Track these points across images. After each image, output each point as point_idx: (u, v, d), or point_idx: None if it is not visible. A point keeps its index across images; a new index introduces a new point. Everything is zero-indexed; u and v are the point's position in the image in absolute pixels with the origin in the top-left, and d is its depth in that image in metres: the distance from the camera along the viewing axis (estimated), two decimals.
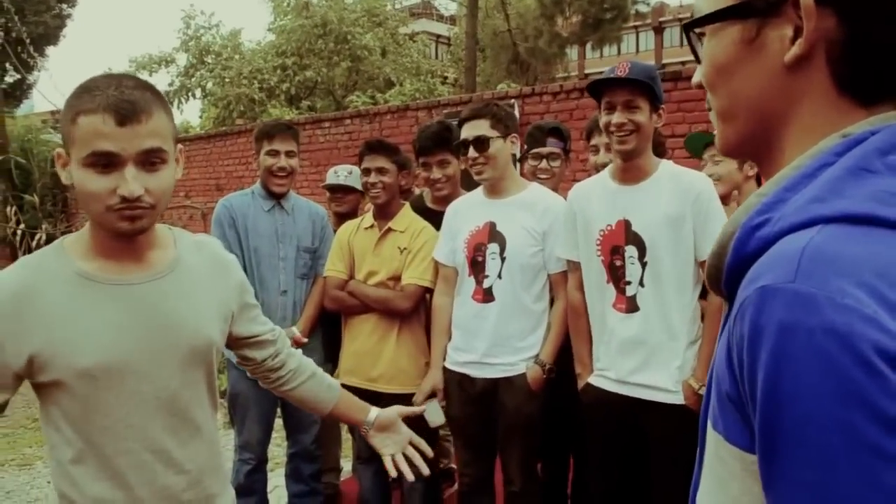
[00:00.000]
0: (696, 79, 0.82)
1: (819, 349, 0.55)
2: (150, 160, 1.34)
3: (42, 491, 4.50)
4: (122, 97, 1.30)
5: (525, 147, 3.32)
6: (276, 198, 3.30)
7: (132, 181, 1.31)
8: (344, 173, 3.74)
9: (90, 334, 1.37)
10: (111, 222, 1.34)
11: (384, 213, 3.13)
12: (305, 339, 3.21)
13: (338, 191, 3.75)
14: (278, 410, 3.41)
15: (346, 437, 4.07)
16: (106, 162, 1.30)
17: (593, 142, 3.12)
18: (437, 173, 3.17)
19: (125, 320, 1.40)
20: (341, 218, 3.67)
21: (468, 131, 2.78)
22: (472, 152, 2.75)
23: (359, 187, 3.54)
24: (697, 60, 0.81)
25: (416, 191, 3.69)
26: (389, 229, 3.09)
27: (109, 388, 1.39)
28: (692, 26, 0.79)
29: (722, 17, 0.74)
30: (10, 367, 1.35)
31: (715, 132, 0.82)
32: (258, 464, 3.29)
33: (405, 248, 3.05)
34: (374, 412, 1.83)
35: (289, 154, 3.28)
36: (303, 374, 1.78)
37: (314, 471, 3.46)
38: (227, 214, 3.24)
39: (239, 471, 3.27)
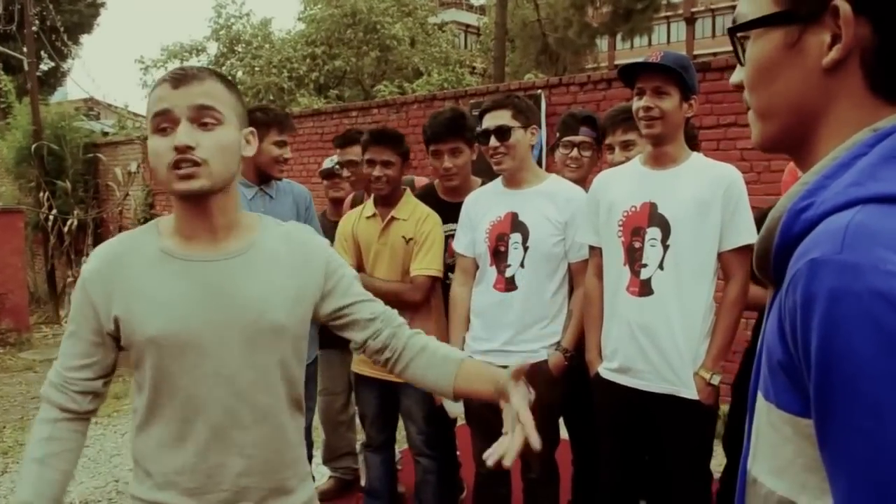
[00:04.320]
0: (735, 79, 0.88)
1: (867, 310, 0.61)
2: (202, 118, 1.41)
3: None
4: (181, 68, 1.46)
5: (557, 135, 3.27)
6: (259, 183, 3.27)
7: (183, 134, 1.39)
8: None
9: (160, 304, 1.45)
10: (172, 183, 1.42)
11: (386, 202, 3.10)
12: None
13: (334, 176, 3.89)
14: None
15: None
16: (165, 123, 1.40)
17: (608, 140, 3.08)
18: (448, 162, 3.06)
19: (192, 295, 1.47)
20: (337, 204, 3.85)
21: (490, 121, 2.77)
22: (493, 141, 2.74)
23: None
24: (740, 62, 0.86)
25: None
26: (393, 218, 3.06)
27: (173, 357, 1.45)
28: (737, 30, 0.85)
29: (767, 23, 0.81)
30: (103, 328, 1.49)
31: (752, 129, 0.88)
32: None
33: (411, 238, 3.02)
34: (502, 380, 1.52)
35: (280, 144, 3.27)
36: (410, 350, 1.66)
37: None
38: None
39: None
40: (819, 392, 0.66)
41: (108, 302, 1.46)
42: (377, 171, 3.02)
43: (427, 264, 2.98)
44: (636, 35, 21.40)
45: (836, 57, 0.75)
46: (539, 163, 5.30)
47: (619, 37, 22.37)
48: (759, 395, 0.79)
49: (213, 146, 1.42)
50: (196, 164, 1.40)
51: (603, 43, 24.74)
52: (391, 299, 2.99)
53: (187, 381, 1.47)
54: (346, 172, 3.64)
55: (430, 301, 3.05)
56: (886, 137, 0.72)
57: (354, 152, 3.51)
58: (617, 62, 25.72)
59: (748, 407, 0.86)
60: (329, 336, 2.31)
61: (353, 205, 3.66)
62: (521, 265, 2.74)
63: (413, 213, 3.07)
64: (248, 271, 1.52)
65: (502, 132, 2.74)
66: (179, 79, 1.42)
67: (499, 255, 2.78)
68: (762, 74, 0.83)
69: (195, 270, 1.48)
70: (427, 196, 3.24)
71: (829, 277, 0.64)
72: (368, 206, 3.16)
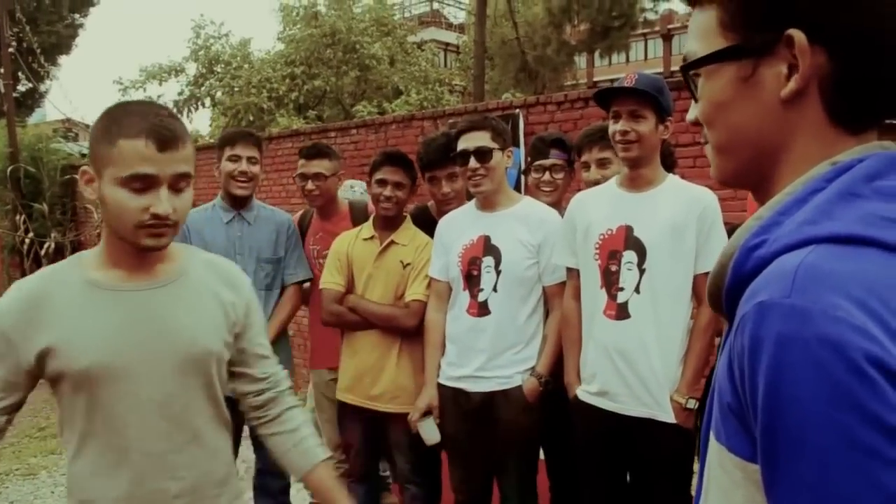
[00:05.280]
0: (691, 116, 0.87)
1: (814, 358, 0.60)
2: (179, 184, 1.48)
3: (45, 501, 4.51)
4: (163, 125, 1.45)
5: (529, 159, 3.27)
6: (238, 207, 3.22)
7: (165, 202, 1.45)
8: (360, 189, 3.79)
9: (90, 335, 1.48)
10: (138, 238, 1.47)
11: (388, 225, 3.07)
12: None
13: None
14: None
15: None
16: (143, 184, 1.44)
17: (584, 158, 3.08)
18: (446, 187, 3.09)
19: (123, 324, 1.51)
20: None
21: (469, 142, 2.74)
22: (473, 163, 2.72)
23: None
24: (695, 99, 0.85)
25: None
26: (392, 242, 3.03)
27: (107, 386, 1.48)
28: (688, 68, 0.84)
29: (717, 59, 0.79)
30: (21, 366, 1.47)
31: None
32: None
33: (408, 264, 3.00)
34: None
35: (251, 160, 3.21)
36: (281, 425, 1.77)
37: (283, 486, 3.36)
38: (183, 231, 3.15)
39: None
40: (765, 439, 0.64)
41: (30, 338, 1.46)
42: (388, 192, 2.99)
43: (424, 290, 2.95)
44: (614, 52, 21.56)
45: (795, 88, 0.74)
46: (517, 183, 5.32)
47: (597, 54, 22.55)
48: (711, 436, 0.77)
49: (183, 209, 1.50)
50: (168, 226, 1.48)
51: (581, 60, 24.91)
52: (385, 323, 3.00)
53: (121, 409, 1.50)
54: (310, 185, 3.43)
55: (422, 327, 2.99)
56: (845, 171, 0.71)
57: (323, 166, 3.43)
58: (595, 79, 25.95)
59: (700, 446, 0.84)
60: None
61: (300, 221, 3.61)
62: (494, 289, 2.73)
63: (413, 240, 3.05)
64: (178, 299, 1.58)
65: (482, 153, 2.72)
66: (166, 141, 1.44)
67: (471, 279, 2.77)
68: (718, 110, 0.81)
69: (124, 299, 1.53)
70: (421, 218, 3.21)
71: (777, 322, 0.63)
72: (367, 228, 3.12)
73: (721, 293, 0.76)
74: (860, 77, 0.72)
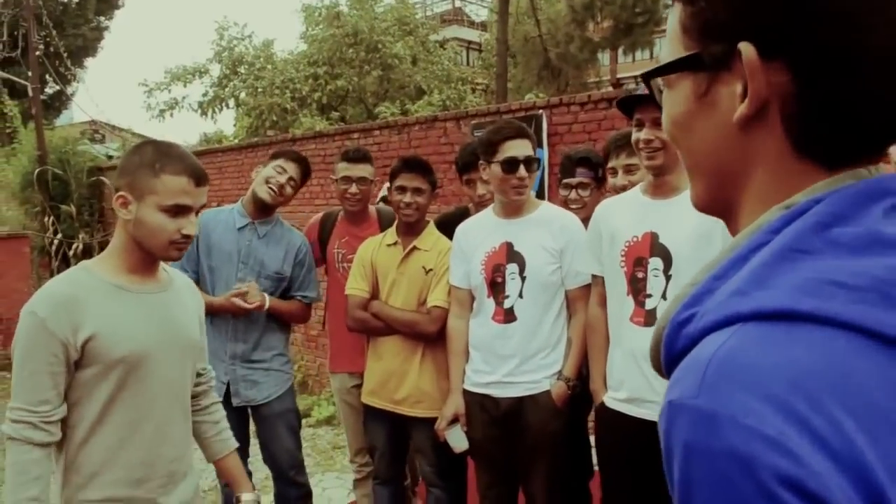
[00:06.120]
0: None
1: (721, 475, 0.50)
2: (200, 210, 1.90)
3: None
4: (198, 166, 1.86)
5: (559, 176, 3.30)
6: (256, 217, 3.22)
7: (193, 225, 1.86)
8: None
9: (125, 328, 1.80)
10: (168, 252, 1.86)
11: (410, 231, 3.08)
12: (257, 300, 3.06)
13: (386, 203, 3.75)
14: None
15: None
16: (179, 210, 1.82)
17: (611, 164, 3.07)
18: (481, 189, 3.13)
19: (147, 319, 1.85)
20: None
21: (518, 150, 2.70)
22: (522, 171, 2.69)
23: None
24: (659, 109, 0.74)
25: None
26: (415, 248, 3.05)
27: (134, 370, 1.81)
28: (649, 76, 0.72)
29: (673, 69, 0.68)
30: (70, 358, 1.74)
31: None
32: None
33: (430, 269, 3.01)
34: (250, 497, 2.13)
35: (291, 181, 3.22)
36: (206, 415, 2.17)
37: (301, 494, 3.37)
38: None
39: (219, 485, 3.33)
40: None
41: (75, 333, 1.73)
42: (408, 198, 3.00)
43: (446, 296, 2.96)
44: (637, 49, 21.45)
45: (746, 113, 0.61)
46: (541, 182, 5.30)
47: (620, 51, 22.41)
48: None
49: (197, 227, 1.90)
50: (189, 242, 1.88)
51: (605, 57, 24.79)
52: (406, 329, 3.02)
53: (142, 389, 1.84)
54: (354, 188, 3.39)
55: (444, 333, 3.00)
56: (799, 217, 0.58)
57: (367, 170, 3.41)
58: (619, 76, 25.76)
59: None
60: None
61: (323, 223, 3.60)
62: (520, 295, 2.72)
63: (436, 245, 3.05)
64: (176, 300, 1.97)
65: (530, 163, 2.71)
66: (200, 179, 1.85)
67: (496, 287, 2.76)
68: (677, 128, 0.70)
69: (145, 300, 1.88)
70: (462, 220, 3.16)
71: (684, 429, 0.53)
72: (390, 234, 3.14)
73: (661, 368, 0.65)
74: (828, 100, 0.59)
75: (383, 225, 3.43)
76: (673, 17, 0.69)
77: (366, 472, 3.50)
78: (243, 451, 3.31)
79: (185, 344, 1.95)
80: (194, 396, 2.10)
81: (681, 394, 0.54)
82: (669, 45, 0.69)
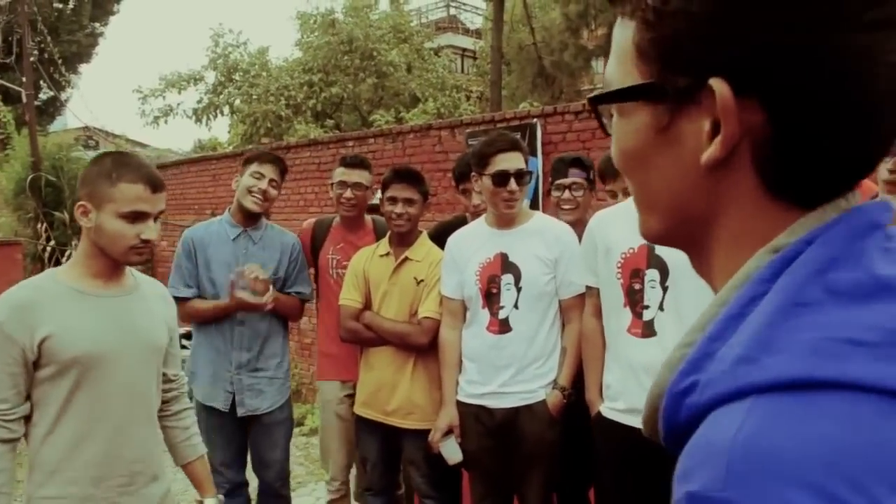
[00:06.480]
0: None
1: None
2: (158, 216, 1.98)
3: None
4: (153, 174, 1.96)
5: (550, 180, 3.31)
6: (246, 224, 3.24)
7: (151, 231, 1.94)
8: None
9: (80, 330, 1.87)
10: (128, 256, 1.94)
11: (402, 242, 3.08)
12: (265, 298, 3.05)
13: (377, 212, 3.73)
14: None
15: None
16: (137, 217, 1.90)
17: (609, 187, 3.14)
18: (477, 199, 3.15)
19: (104, 322, 1.92)
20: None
21: (510, 163, 2.70)
22: (513, 185, 2.69)
23: None
24: (606, 133, 0.67)
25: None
26: (406, 258, 3.04)
27: (91, 370, 1.87)
28: (597, 101, 0.64)
29: (628, 97, 0.60)
30: (28, 359, 1.83)
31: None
32: (232, 487, 3.26)
33: (422, 280, 3.00)
34: (212, 501, 2.24)
35: (272, 182, 3.23)
36: (176, 421, 2.24)
37: None
38: (188, 245, 3.23)
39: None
40: None
41: (31, 335, 1.82)
42: (399, 209, 2.99)
43: (437, 307, 2.95)
44: None
45: (717, 155, 0.55)
46: (535, 192, 5.31)
47: None
48: None
49: (157, 236, 1.99)
50: (148, 247, 1.97)
51: (598, 65, 24.84)
52: (397, 340, 3.01)
53: (100, 389, 1.90)
54: (349, 193, 3.35)
55: (435, 344, 2.99)
56: (793, 261, 0.52)
57: (364, 176, 3.39)
58: None
59: None
60: None
61: (316, 229, 3.60)
62: (515, 306, 2.72)
63: (427, 256, 3.05)
64: (138, 305, 2.04)
65: (521, 176, 2.71)
66: (156, 186, 1.94)
67: (491, 297, 2.76)
68: (629, 161, 0.63)
69: (104, 304, 1.95)
70: (458, 229, 3.17)
71: None
72: (383, 245, 3.14)
73: (657, 435, 0.59)
74: (806, 142, 0.53)
75: (378, 235, 3.43)
76: (623, 34, 0.60)
77: (344, 492, 3.49)
78: (242, 460, 3.31)
79: (147, 347, 2.02)
80: (165, 402, 2.19)
81: (703, 486, 0.47)
82: (619, 66, 0.61)
